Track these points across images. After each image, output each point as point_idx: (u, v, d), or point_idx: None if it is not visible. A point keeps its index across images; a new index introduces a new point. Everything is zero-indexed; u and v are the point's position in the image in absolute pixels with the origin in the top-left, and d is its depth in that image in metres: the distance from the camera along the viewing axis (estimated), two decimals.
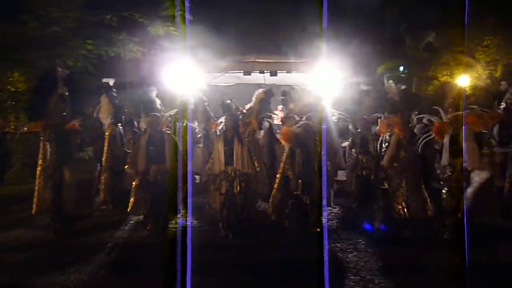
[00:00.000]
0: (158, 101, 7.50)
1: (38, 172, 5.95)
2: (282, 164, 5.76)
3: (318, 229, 5.20)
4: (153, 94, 7.45)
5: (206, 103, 8.68)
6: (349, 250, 5.24)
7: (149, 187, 5.79)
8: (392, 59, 17.71)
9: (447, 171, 5.32)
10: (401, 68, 18.71)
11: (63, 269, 4.61)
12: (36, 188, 5.98)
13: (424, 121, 6.30)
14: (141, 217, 5.98)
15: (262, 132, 7.37)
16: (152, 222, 5.80)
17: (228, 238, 5.65)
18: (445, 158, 5.34)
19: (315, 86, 7.20)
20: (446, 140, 5.34)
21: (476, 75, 14.81)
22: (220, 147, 5.78)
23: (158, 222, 5.73)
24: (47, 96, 5.89)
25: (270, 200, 5.84)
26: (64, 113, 6.09)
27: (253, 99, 7.60)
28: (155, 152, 5.77)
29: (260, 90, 7.77)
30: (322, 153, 5.17)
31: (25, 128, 6.16)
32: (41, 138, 5.94)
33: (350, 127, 7.96)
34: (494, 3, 14.38)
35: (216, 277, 4.49)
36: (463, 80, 12.56)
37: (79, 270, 4.60)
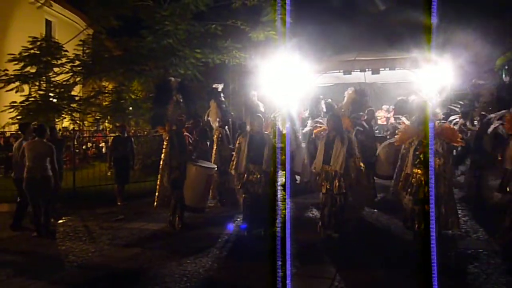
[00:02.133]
0: (261, 104, 7.80)
1: (161, 170, 6.51)
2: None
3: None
4: (255, 97, 7.78)
5: (322, 103, 8.57)
6: None
7: (251, 187, 6.03)
8: None
9: None
10: None
11: (180, 260, 5.05)
12: (158, 184, 6.57)
13: None
14: (242, 215, 6.28)
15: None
16: (253, 220, 6.03)
17: (329, 237, 5.65)
18: None
19: (421, 83, 6.80)
20: None
21: None
22: (321, 147, 5.84)
23: (263, 221, 5.93)
24: (165, 103, 6.51)
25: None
26: (181, 118, 6.69)
27: (345, 98, 7.45)
28: (256, 153, 6.00)
29: (351, 90, 7.56)
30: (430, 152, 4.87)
31: (154, 132, 6.88)
32: (165, 139, 6.54)
33: (467, 123, 7.37)
34: None
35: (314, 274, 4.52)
36: None
37: (195, 262, 5.00)
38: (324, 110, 8.12)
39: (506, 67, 17.18)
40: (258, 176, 6.00)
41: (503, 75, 16.91)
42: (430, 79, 4.79)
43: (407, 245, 5.37)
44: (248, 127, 6.31)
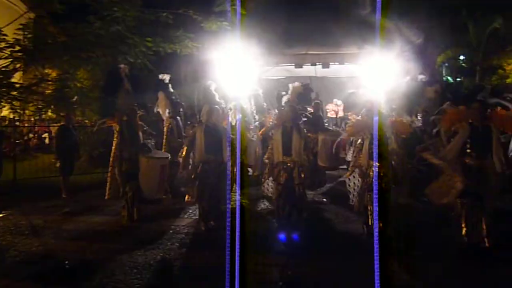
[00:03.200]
0: (217, 95, 7.76)
1: (111, 162, 6.31)
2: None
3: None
4: (212, 87, 7.71)
5: (261, 96, 8.78)
6: None
7: (205, 178, 6.00)
8: (453, 47, 16.81)
9: None
10: (462, 57, 17.72)
11: (131, 252, 4.96)
12: (109, 176, 6.37)
13: None
14: (198, 206, 6.21)
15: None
16: (207, 212, 6.02)
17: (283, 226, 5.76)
18: None
19: (368, 78, 7.08)
20: None
21: None
22: (278, 138, 5.89)
23: (213, 212, 5.96)
24: (115, 92, 6.28)
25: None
26: (133, 107, 6.48)
27: (290, 92, 7.59)
28: (212, 144, 5.98)
29: (296, 84, 7.75)
30: (374, 144, 5.07)
31: (102, 123, 6.57)
32: (115, 130, 6.33)
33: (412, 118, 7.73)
34: None
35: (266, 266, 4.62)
36: None
37: (145, 254, 4.93)
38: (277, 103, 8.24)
39: (446, 64, 18.23)
40: (213, 166, 5.99)
41: (443, 72, 17.95)
42: (376, 75, 4.97)
43: (357, 233, 5.63)
44: (203, 118, 6.25)
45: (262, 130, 7.03)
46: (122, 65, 6.89)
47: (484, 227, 4.84)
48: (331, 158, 7.88)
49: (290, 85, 7.69)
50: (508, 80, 15.02)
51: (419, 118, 7.99)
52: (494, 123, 4.92)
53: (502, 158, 4.85)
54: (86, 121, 13.23)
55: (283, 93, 7.86)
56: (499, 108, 5.12)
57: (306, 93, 7.81)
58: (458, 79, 17.62)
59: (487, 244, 4.80)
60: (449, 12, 16.74)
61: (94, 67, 10.62)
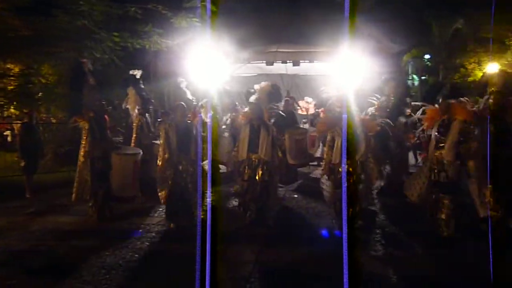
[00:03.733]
0: (188, 92, 7.71)
1: (80, 161, 6.13)
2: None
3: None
4: (183, 85, 7.65)
5: (230, 94, 8.84)
6: None
7: (176, 176, 5.94)
8: (418, 47, 17.32)
9: None
10: (427, 56, 18.28)
11: (99, 252, 4.86)
12: (77, 175, 6.17)
13: None
14: (169, 205, 6.11)
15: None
16: (179, 210, 5.97)
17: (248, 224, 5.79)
18: None
19: (338, 75, 7.20)
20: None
21: (506, 62, 14.38)
22: (246, 135, 5.92)
23: (185, 210, 5.92)
24: (79, 88, 6.11)
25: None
26: (100, 103, 6.32)
27: (258, 91, 7.63)
28: (182, 142, 5.93)
29: (265, 83, 7.81)
30: (343, 143, 5.17)
31: (73, 121, 6.37)
32: (84, 128, 6.15)
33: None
34: None
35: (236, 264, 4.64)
36: (492, 68, 12.24)
37: (114, 254, 4.84)
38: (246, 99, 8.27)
39: (412, 63, 18.77)
40: (185, 165, 5.94)
41: (409, 70, 18.48)
42: (345, 73, 5.06)
43: (328, 228, 5.74)
44: (175, 116, 6.19)
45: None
46: (84, 60, 6.70)
47: (451, 218, 5.05)
48: (299, 155, 8.03)
49: (256, 86, 7.75)
50: (470, 79, 15.62)
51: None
52: (457, 116, 5.13)
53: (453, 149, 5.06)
54: (52, 118, 12.80)
55: (252, 90, 7.91)
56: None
57: (275, 91, 7.89)
58: (423, 78, 18.20)
59: (454, 235, 5.01)
60: (414, 12, 17.24)
61: (60, 62, 10.29)
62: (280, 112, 8.14)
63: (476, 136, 5.42)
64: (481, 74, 14.48)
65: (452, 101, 5.26)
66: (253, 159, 5.86)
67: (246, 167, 5.90)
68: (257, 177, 5.83)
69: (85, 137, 6.13)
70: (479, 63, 15.39)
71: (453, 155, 5.03)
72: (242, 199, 5.96)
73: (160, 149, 6.02)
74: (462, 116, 5.09)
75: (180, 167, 5.90)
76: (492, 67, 12.45)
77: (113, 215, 6.25)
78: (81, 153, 6.13)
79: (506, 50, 14.64)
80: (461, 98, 5.45)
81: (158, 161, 6.01)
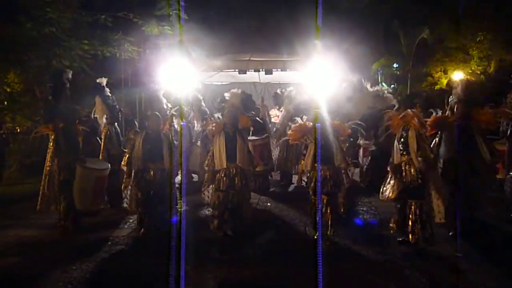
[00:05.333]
0: (164, 100, 7.64)
1: (45, 172, 5.97)
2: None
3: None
4: (160, 93, 7.59)
5: (202, 102, 8.86)
6: None
7: (146, 186, 5.85)
8: (387, 56, 17.80)
9: None
10: (395, 65, 18.79)
11: (65, 267, 4.68)
12: (41, 187, 6.00)
13: None
14: (138, 215, 5.99)
15: None
16: (148, 221, 5.86)
17: (223, 234, 5.73)
18: None
19: (309, 84, 7.29)
20: None
21: (470, 71, 14.95)
22: (221, 144, 5.80)
23: (154, 220, 5.81)
24: (58, 96, 5.97)
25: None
26: (73, 113, 6.19)
27: (233, 98, 7.62)
28: (152, 151, 5.83)
29: (237, 90, 7.84)
30: (317, 151, 5.21)
31: (36, 132, 6.21)
32: (52, 137, 5.98)
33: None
34: None
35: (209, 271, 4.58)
36: (456, 76, 12.69)
37: (81, 267, 4.68)
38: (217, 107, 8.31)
39: (381, 71, 19.26)
40: (153, 173, 5.84)
41: (379, 79, 18.93)
42: (315, 81, 5.12)
43: (303, 238, 5.74)
44: (147, 124, 6.09)
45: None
46: (66, 69, 6.58)
47: (417, 224, 5.13)
48: (261, 162, 8.19)
49: (226, 93, 7.78)
50: (437, 87, 16.16)
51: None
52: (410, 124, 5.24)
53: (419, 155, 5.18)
54: (17, 127, 12.37)
55: (225, 98, 7.90)
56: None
57: (247, 98, 7.93)
58: (392, 86, 18.67)
59: (421, 243, 5.09)
60: (383, 22, 17.76)
61: (26, 71, 9.98)
62: (257, 119, 8.18)
63: (435, 144, 5.58)
64: (446, 82, 15.03)
65: (408, 110, 5.34)
66: (231, 168, 5.78)
67: (224, 176, 5.81)
68: (235, 186, 5.75)
69: (51, 147, 5.97)
70: (445, 72, 15.95)
71: (418, 161, 5.11)
72: (217, 209, 5.81)
73: (127, 158, 5.92)
74: (414, 126, 5.19)
75: (147, 177, 5.81)
76: (457, 76, 12.92)
77: (79, 227, 6.04)
78: (47, 163, 5.96)
79: (470, 59, 15.25)
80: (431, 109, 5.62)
81: (125, 171, 5.96)
